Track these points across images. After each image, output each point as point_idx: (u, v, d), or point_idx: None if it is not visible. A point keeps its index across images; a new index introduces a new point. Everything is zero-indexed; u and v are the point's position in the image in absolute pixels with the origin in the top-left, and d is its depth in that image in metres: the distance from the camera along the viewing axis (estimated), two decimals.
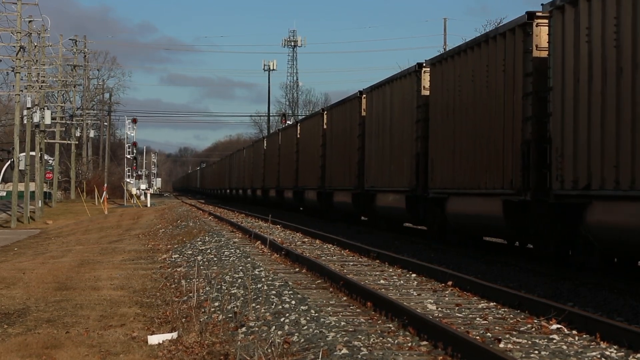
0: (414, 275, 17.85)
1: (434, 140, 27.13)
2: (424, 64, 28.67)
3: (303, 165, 49.64)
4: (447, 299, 14.64)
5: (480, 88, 23.32)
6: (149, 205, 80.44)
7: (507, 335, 11.25)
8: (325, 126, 43.89)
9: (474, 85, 23.73)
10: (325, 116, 44.23)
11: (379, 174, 32.99)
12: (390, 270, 18.94)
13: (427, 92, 28.41)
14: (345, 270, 18.59)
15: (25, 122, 67.24)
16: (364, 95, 36.15)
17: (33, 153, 71.80)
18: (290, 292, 15.02)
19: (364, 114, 36.00)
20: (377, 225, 35.07)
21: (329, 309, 13.50)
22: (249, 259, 21.15)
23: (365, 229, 34.25)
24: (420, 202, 28.50)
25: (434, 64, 27.25)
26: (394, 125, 31.40)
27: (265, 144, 65.37)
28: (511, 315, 12.86)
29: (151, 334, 13.18)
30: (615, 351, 10.34)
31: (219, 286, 16.93)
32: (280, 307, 13.71)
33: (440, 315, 12.94)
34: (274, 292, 15.24)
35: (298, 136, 52.07)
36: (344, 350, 10.16)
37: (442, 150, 26.22)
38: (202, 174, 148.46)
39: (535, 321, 12.23)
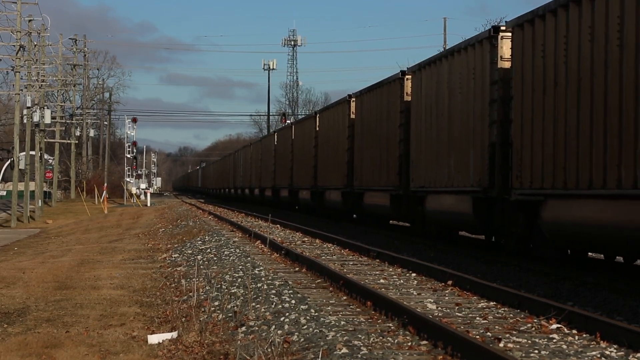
0: (413, 274, 17.85)
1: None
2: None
3: (324, 163, 43.74)
4: (447, 298, 14.64)
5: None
6: (148, 204, 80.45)
7: (507, 335, 11.25)
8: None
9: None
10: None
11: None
12: (390, 269, 18.94)
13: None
14: (345, 270, 18.59)
15: (25, 121, 67.25)
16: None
17: (33, 152, 71.80)
18: (290, 292, 15.02)
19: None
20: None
21: (329, 308, 13.50)
22: (249, 259, 21.16)
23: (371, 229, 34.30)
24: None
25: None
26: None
27: (275, 139, 60.18)
28: (511, 315, 12.86)
29: (151, 334, 13.18)
30: (615, 351, 10.34)
31: (219, 285, 16.93)
32: (280, 306, 13.71)
33: (440, 314, 12.94)
34: (273, 291, 15.24)
35: (317, 128, 46.74)
36: (344, 350, 10.16)
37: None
38: (204, 173, 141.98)
39: (535, 321, 12.23)
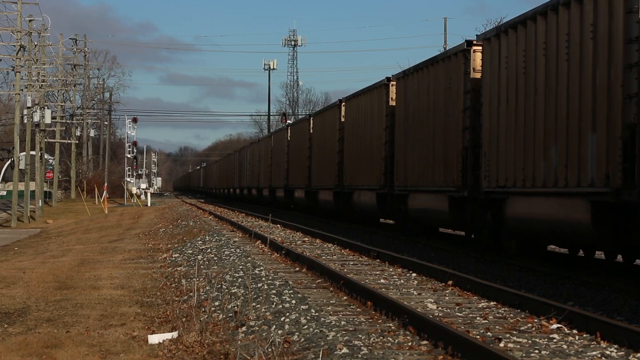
0: (414, 274, 17.86)
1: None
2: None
3: (351, 161, 39.31)
4: (447, 298, 14.64)
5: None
6: (149, 204, 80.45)
7: (508, 335, 11.25)
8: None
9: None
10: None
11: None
12: (391, 269, 18.94)
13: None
14: (345, 270, 18.59)
15: (25, 121, 67.23)
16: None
17: (33, 152, 71.80)
18: (290, 292, 15.02)
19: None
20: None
21: (329, 308, 13.50)
22: (249, 259, 21.16)
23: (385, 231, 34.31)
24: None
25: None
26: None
27: (289, 134, 54.92)
28: (511, 315, 12.86)
29: (151, 334, 13.18)
30: (615, 350, 10.34)
31: (219, 285, 16.94)
32: (280, 306, 13.71)
33: (440, 314, 12.94)
34: (274, 291, 15.24)
35: (343, 119, 42.20)
36: (344, 350, 10.17)
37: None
38: (206, 173, 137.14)
39: (536, 320, 12.24)
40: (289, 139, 54.00)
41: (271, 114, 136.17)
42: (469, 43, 24.10)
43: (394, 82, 31.95)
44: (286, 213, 51.24)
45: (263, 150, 66.32)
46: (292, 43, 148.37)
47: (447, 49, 38.16)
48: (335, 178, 39.53)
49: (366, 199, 34.97)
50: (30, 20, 65.65)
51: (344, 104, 39.48)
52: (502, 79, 21.38)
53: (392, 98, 32.16)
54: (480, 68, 23.39)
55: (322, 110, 46.15)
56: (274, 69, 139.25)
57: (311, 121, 47.32)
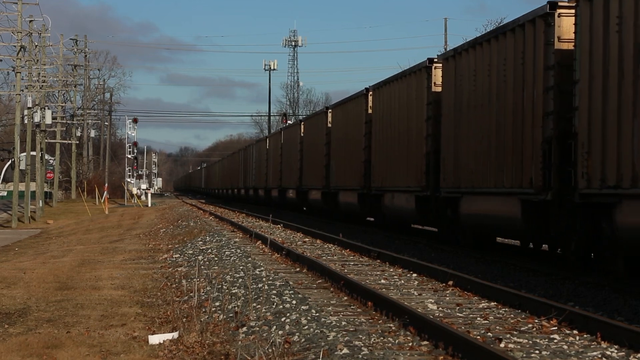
0: (414, 275, 17.86)
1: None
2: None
3: (382, 159, 35.16)
4: (447, 298, 14.64)
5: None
6: (149, 205, 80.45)
7: (508, 335, 11.26)
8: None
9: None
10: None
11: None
12: (391, 270, 18.94)
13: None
14: (346, 270, 18.60)
15: (25, 121, 67.22)
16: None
17: (34, 153, 71.80)
18: (291, 292, 15.02)
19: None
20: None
21: (330, 308, 13.51)
22: (250, 259, 21.16)
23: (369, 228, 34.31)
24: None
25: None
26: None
27: (302, 130, 50.37)
28: (512, 315, 12.86)
29: (152, 334, 13.18)
30: (616, 351, 10.35)
31: (220, 286, 16.94)
32: (281, 306, 13.72)
33: (441, 315, 12.95)
34: (274, 291, 15.24)
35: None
36: (345, 350, 10.17)
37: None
38: (208, 173, 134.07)
39: (536, 321, 12.24)
40: (302, 134, 49.96)
41: (271, 114, 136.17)
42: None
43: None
44: (297, 216, 47.46)
45: (272, 148, 61.71)
46: (293, 43, 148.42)
47: (447, 49, 37.89)
48: (360, 178, 35.35)
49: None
50: (30, 21, 65.64)
51: (371, 92, 35.52)
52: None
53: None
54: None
55: (344, 101, 40.09)
56: (274, 69, 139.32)
57: (329, 114, 43.14)
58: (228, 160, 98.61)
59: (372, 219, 37.07)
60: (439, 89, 27.61)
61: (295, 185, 50.14)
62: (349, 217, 39.64)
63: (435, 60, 27.21)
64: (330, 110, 42.62)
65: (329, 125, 42.29)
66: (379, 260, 20.72)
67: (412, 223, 31.71)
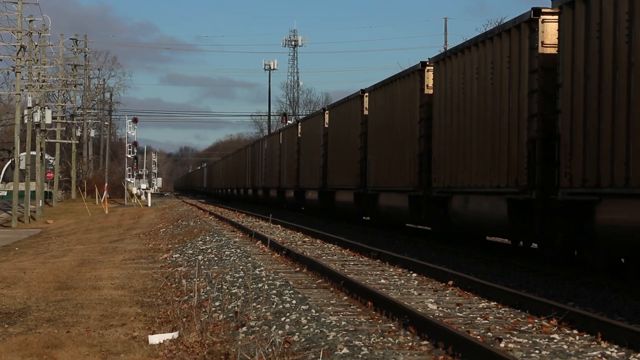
0: (414, 274, 17.86)
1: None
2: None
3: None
4: (447, 298, 14.64)
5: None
6: (149, 204, 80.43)
7: (508, 335, 11.25)
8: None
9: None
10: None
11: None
12: (391, 269, 18.95)
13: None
14: (345, 270, 18.59)
15: (25, 121, 67.21)
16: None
17: (34, 153, 71.79)
18: (290, 292, 15.02)
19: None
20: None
21: (330, 308, 13.50)
22: (250, 259, 21.16)
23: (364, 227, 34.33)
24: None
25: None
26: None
27: (326, 120, 43.03)
28: (512, 315, 12.86)
29: (152, 334, 13.18)
30: (616, 351, 10.35)
31: (220, 286, 16.94)
32: (281, 306, 13.72)
33: (440, 314, 12.95)
34: (274, 291, 15.24)
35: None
36: (345, 350, 10.17)
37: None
38: (210, 172, 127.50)
39: (536, 321, 12.24)
40: (326, 125, 42.60)
41: (272, 114, 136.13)
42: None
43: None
44: (318, 221, 40.89)
45: (286, 144, 54.54)
46: (293, 43, 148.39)
47: (447, 49, 37.48)
48: (414, 176, 28.25)
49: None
50: (30, 21, 65.64)
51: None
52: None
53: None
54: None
55: (387, 81, 32.34)
56: (274, 69, 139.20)
57: (365, 98, 35.49)
58: (233, 158, 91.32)
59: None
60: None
61: (318, 185, 43.32)
62: (397, 225, 33.56)
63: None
64: (366, 94, 35.95)
65: (365, 112, 35.62)
66: (378, 260, 20.72)
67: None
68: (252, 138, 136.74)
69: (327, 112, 43.00)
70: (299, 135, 50.00)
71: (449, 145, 25.08)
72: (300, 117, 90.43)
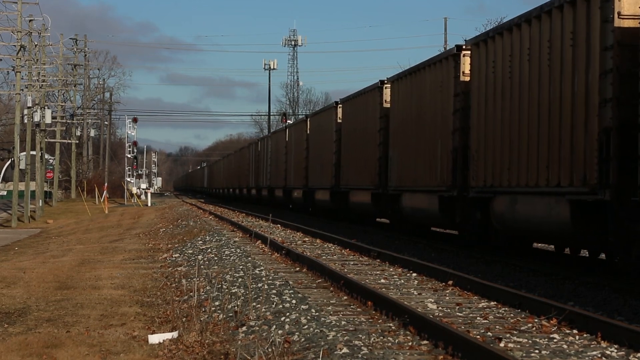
0: (414, 274, 17.86)
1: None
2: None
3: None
4: (447, 298, 14.64)
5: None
6: (149, 204, 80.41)
7: (508, 335, 11.25)
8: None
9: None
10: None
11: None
12: (391, 269, 18.94)
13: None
14: (345, 270, 18.59)
15: (25, 121, 67.23)
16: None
17: (33, 152, 71.79)
18: (290, 292, 15.02)
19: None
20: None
21: (330, 308, 13.50)
22: (250, 258, 21.16)
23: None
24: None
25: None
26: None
27: (339, 114, 40.46)
28: (512, 315, 12.86)
29: (152, 333, 13.18)
30: (615, 350, 10.34)
31: (220, 285, 16.94)
32: (280, 306, 13.71)
33: (440, 314, 12.94)
34: (274, 291, 15.24)
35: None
36: (345, 350, 10.17)
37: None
38: (211, 171, 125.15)
39: (536, 320, 12.23)
40: (339, 120, 40.23)
41: (271, 114, 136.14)
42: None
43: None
44: (329, 224, 37.70)
45: (293, 141, 52.31)
46: (293, 43, 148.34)
47: (447, 48, 37.65)
48: (447, 175, 25.21)
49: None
50: (30, 20, 65.65)
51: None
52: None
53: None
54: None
55: (413, 69, 29.57)
56: (274, 69, 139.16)
57: (385, 90, 32.60)
58: (235, 156, 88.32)
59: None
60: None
61: (330, 185, 40.52)
62: (422, 230, 30.75)
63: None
64: (387, 85, 32.83)
65: (387, 104, 32.62)
66: (378, 260, 20.71)
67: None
68: (252, 138, 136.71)
69: (340, 105, 40.32)
70: (308, 131, 47.37)
71: (491, 138, 21.90)
72: (300, 116, 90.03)
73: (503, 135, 21.35)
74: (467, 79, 24.34)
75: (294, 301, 14.02)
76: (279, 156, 56.93)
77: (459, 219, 24.65)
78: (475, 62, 23.56)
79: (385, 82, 32.51)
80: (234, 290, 15.99)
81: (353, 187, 36.79)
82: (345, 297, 14.62)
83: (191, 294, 16.27)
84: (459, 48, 24.86)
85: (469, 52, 24.17)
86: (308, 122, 48.43)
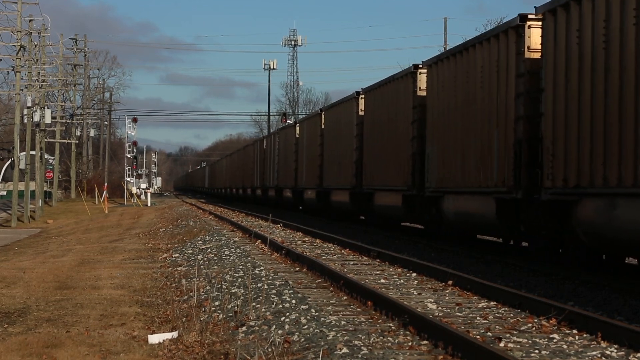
0: (414, 274, 17.85)
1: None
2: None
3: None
4: (447, 298, 14.64)
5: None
6: (149, 204, 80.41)
7: (508, 335, 11.25)
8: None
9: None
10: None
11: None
12: (391, 269, 18.94)
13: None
14: (345, 270, 18.59)
15: (25, 121, 67.23)
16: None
17: (33, 152, 71.80)
18: (290, 292, 15.02)
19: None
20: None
21: (330, 308, 13.50)
22: (250, 258, 21.16)
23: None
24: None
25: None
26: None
27: (361, 106, 36.24)
28: (511, 315, 12.86)
29: (152, 333, 13.18)
30: (615, 350, 10.34)
31: (220, 285, 16.94)
32: (280, 306, 13.71)
33: (440, 314, 12.94)
34: (274, 291, 15.24)
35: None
36: (345, 350, 10.17)
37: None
38: (212, 171, 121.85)
39: (536, 320, 12.23)
40: (361, 113, 36.21)
41: (271, 114, 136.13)
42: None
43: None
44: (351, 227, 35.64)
45: (305, 137, 48.71)
46: (292, 43, 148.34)
47: (447, 48, 37.70)
48: (509, 172, 20.94)
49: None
50: (30, 20, 65.65)
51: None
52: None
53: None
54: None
55: (458, 49, 24.92)
56: (274, 69, 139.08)
57: (420, 76, 28.71)
58: (239, 155, 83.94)
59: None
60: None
61: (351, 185, 36.67)
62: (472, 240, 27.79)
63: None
64: (421, 71, 28.98)
65: (422, 92, 28.74)
66: (378, 260, 20.71)
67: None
68: (252, 138, 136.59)
69: (362, 96, 35.88)
70: (323, 126, 43.31)
71: (576, 126, 17.71)
72: (301, 116, 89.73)
73: (595, 122, 17.00)
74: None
75: (293, 301, 14.02)
76: (288, 154, 53.50)
77: (527, 227, 20.30)
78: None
79: (420, 66, 28.37)
80: (233, 290, 15.99)
81: (379, 188, 32.74)
82: (345, 297, 14.62)
83: (191, 294, 16.27)
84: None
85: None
86: (322, 116, 44.36)
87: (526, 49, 20.29)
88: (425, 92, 27.82)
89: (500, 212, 21.31)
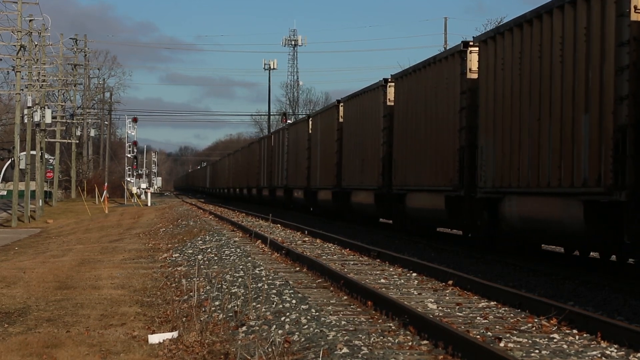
0: (414, 274, 17.85)
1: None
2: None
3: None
4: (447, 298, 14.64)
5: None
6: (149, 204, 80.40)
7: (508, 335, 11.25)
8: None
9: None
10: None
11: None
12: (391, 269, 18.94)
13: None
14: (345, 270, 18.59)
15: (25, 121, 67.21)
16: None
17: (33, 152, 71.79)
18: (290, 292, 15.02)
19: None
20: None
21: (330, 308, 13.50)
22: (250, 258, 21.16)
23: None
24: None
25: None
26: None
27: (389, 95, 32.54)
28: (512, 315, 12.86)
29: (152, 333, 13.18)
30: (615, 350, 10.34)
31: (220, 285, 16.94)
32: (280, 306, 13.71)
33: (440, 314, 12.94)
34: (274, 291, 15.24)
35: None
36: (345, 350, 10.17)
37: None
38: (214, 170, 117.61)
39: (536, 320, 12.23)
40: (388, 103, 32.31)
41: (271, 113, 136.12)
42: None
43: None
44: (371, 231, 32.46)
45: (319, 132, 44.32)
46: (293, 43, 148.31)
47: (447, 48, 37.08)
48: (607, 166, 16.87)
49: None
50: (30, 20, 65.64)
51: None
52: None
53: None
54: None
55: (515, 22, 20.87)
56: (274, 68, 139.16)
57: (470, 55, 24.18)
58: (242, 153, 79.94)
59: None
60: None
61: (378, 185, 32.61)
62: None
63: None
64: (472, 49, 24.47)
65: (474, 76, 24.34)
66: (378, 260, 20.71)
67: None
68: (252, 137, 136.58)
69: (391, 84, 31.80)
70: (341, 119, 38.93)
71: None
72: (301, 116, 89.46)
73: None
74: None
75: (294, 301, 14.02)
76: (299, 151, 49.24)
77: (632, 237, 16.08)
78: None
79: (472, 43, 24.00)
80: (234, 290, 15.99)
81: (412, 189, 28.66)
82: (345, 297, 14.62)
83: (191, 293, 16.27)
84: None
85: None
86: (340, 109, 39.56)
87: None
88: (476, 75, 23.58)
89: (588, 216, 17.25)
